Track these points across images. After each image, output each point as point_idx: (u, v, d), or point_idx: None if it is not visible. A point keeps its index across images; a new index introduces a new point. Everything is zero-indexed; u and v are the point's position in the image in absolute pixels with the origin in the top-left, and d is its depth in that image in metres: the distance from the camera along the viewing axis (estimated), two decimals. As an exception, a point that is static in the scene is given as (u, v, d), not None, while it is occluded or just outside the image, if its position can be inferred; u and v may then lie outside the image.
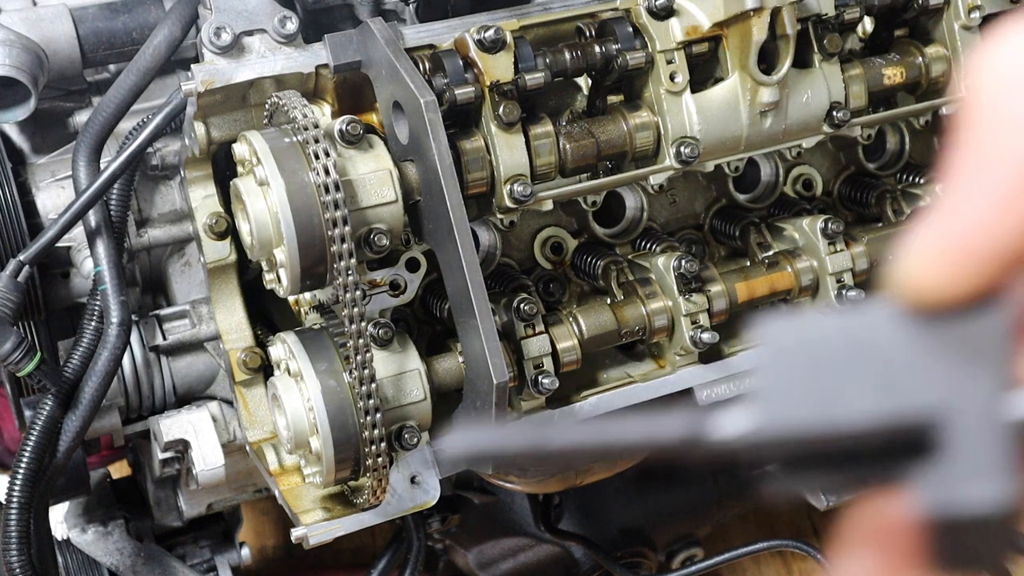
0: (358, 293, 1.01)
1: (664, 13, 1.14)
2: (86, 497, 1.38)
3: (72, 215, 1.11)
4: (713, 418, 0.33)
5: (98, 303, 1.14)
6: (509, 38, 1.10)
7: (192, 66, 1.10)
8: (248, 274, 1.23)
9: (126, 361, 1.22)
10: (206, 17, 1.12)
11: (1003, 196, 0.28)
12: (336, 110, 1.14)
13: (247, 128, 1.11)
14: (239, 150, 1.06)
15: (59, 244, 1.14)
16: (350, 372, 1.04)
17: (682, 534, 1.73)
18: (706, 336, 1.17)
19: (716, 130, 1.15)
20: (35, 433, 1.12)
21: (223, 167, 1.18)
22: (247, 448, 1.22)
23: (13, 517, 1.11)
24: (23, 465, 1.11)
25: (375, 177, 1.04)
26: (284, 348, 1.09)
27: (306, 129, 1.01)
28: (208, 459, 1.19)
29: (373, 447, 1.04)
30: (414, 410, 1.09)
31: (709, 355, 1.21)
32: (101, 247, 1.14)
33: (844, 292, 1.22)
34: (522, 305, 1.13)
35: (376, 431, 1.03)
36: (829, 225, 1.23)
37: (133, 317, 1.19)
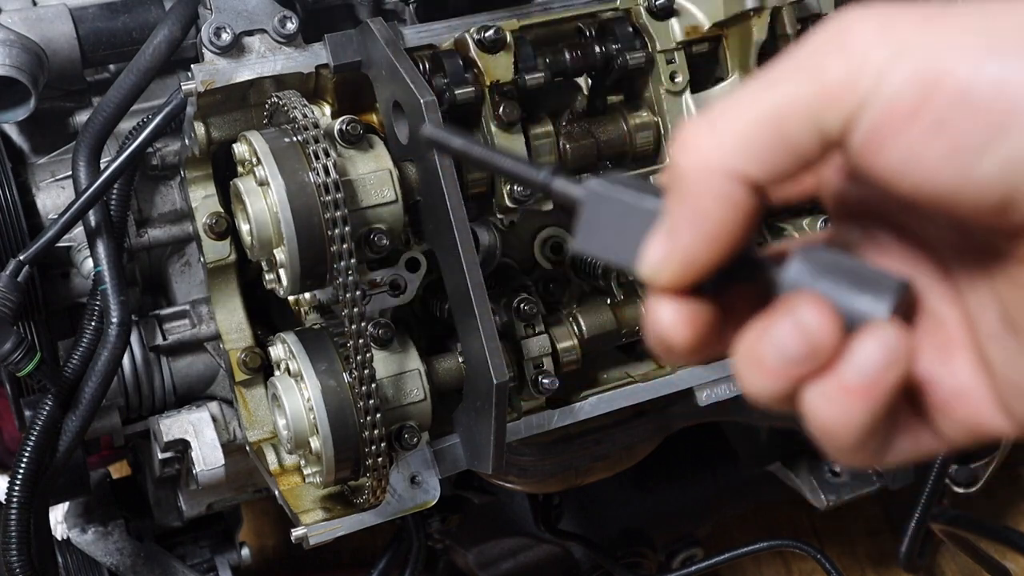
0: (358, 293, 1.01)
1: (664, 13, 1.14)
2: (86, 497, 1.38)
3: (72, 215, 1.10)
4: (560, 186, 0.53)
5: (98, 303, 1.14)
6: (509, 38, 1.10)
7: (192, 66, 1.10)
8: (248, 274, 1.23)
9: (126, 361, 1.21)
10: (206, 17, 1.12)
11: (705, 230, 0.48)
12: (336, 110, 1.14)
13: (247, 128, 1.11)
14: (239, 150, 1.06)
15: (59, 244, 1.14)
16: (350, 372, 1.04)
17: (682, 534, 1.73)
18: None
19: (716, 130, 1.15)
20: (35, 433, 1.12)
21: (223, 167, 1.17)
22: (247, 448, 1.22)
23: (13, 517, 1.11)
24: (23, 465, 1.11)
25: (375, 177, 1.04)
26: (284, 348, 1.09)
27: (306, 129, 1.01)
28: (208, 459, 1.19)
29: (373, 447, 1.04)
30: (414, 410, 1.09)
31: (709, 355, 1.21)
32: (101, 247, 1.14)
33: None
34: (522, 305, 1.13)
35: (376, 431, 1.03)
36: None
37: (133, 317, 1.19)
